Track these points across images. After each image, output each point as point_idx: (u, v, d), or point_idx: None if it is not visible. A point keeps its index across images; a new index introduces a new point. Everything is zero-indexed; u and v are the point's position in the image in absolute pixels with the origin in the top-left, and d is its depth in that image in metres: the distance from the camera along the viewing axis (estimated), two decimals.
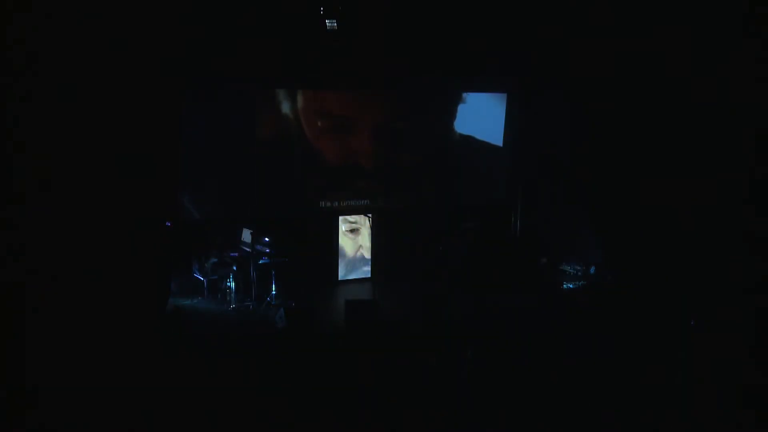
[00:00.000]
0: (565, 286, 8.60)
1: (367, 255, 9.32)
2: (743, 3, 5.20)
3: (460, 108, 9.56)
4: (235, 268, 8.09)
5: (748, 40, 5.27)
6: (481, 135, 9.73)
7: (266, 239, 8.11)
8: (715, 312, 6.15)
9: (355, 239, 9.28)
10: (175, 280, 8.13)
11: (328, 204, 9.14)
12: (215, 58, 7.44)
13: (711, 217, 6.28)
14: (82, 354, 5.05)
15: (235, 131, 8.38)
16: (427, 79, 9.17)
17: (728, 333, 5.84)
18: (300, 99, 8.67)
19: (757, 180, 5.54)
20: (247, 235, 8.19)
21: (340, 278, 9.19)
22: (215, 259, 8.13)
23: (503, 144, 9.85)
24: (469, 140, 9.67)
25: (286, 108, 8.63)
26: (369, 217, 8.96)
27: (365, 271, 9.36)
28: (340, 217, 9.16)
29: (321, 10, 6.31)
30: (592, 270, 8.73)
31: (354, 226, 9.23)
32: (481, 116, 9.66)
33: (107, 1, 5.14)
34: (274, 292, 8.11)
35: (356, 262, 9.33)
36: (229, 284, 8.07)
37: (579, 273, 8.79)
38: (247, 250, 8.07)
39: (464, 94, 9.50)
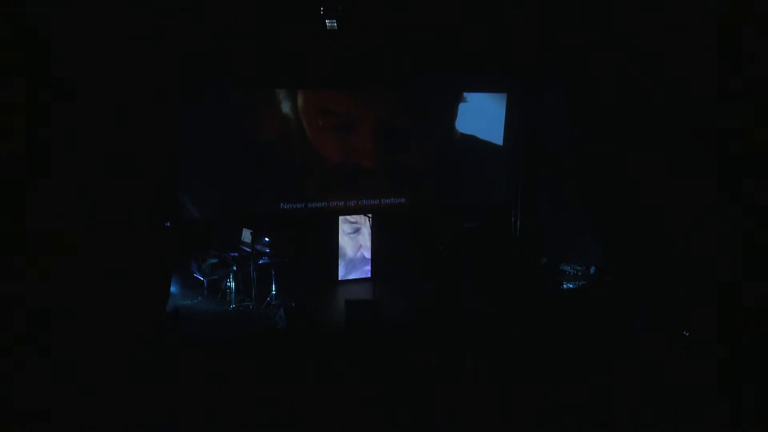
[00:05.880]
0: (565, 286, 8.60)
1: (368, 255, 9.32)
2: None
3: (461, 107, 9.56)
4: (235, 268, 8.09)
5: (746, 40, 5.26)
6: (482, 134, 9.74)
7: (266, 239, 8.11)
8: (713, 311, 6.15)
9: (355, 239, 9.29)
10: (175, 280, 8.13)
11: (329, 204, 9.15)
12: (215, 58, 7.44)
13: (711, 217, 6.28)
14: (81, 353, 5.06)
15: (234, 131, 8.38)
16: (428, 79, 9.18)
17: (726, 332, 5.83)
18: (300, 98, 8.67)
19: (758, 180, 5.53)
20: (247, 235, 8.19)
21: (340, 278, 9.20)
22: (215, 260, 8.13)
23: (503, 143, 9.86)
24: (470, 140, 9.67)
25: (286, 108, 8.63)
26: (369, 217, 8.96)
27: (365, 270, 9.36)
28: (341, 217, 9.16)
29: (321, 10, 6.30)
30: (592, 270, 8.73)
31: (355, 226, 9.23)
32: (482, 116, 9.67)
33: (107, 2, 5.13)
34: (274, 292, 8.12)
35: (356, 262, 9.33)
36: (229, 284, 8.08)
37: (579, 273, 8.79)
38: (247, 250, 8.07)
39: (465, 94, 9.51)
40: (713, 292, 6.20)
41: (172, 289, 7.93)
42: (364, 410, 5.18)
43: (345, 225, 9.20)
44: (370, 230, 9.09)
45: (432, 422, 5.06)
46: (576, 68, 8.27)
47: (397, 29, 7.14)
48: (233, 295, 8.03)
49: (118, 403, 4.94)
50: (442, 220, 9.69)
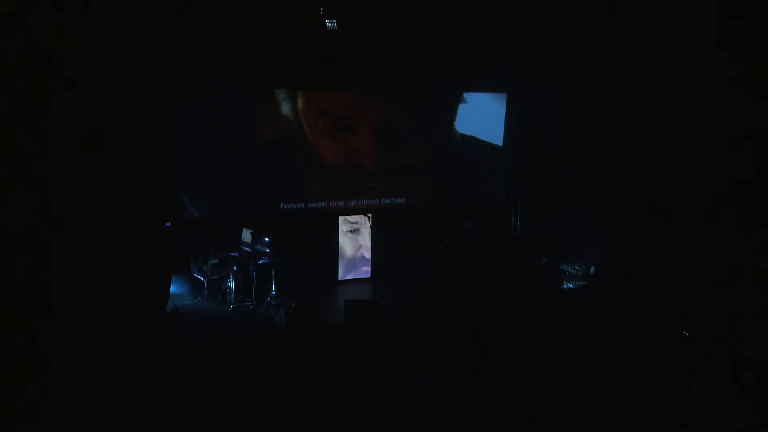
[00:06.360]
0: (565, 286, 8.61)
1: (367, 255, 9.32)
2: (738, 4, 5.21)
3: (461, 108, 9.57)
4: (235, 268, 8.09)
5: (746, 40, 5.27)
6: (481, 135, 9.75)
7: (266, 239, 8.11)
8: (714, 311, 6.15)
9: (355, 239, 9.29)
10: (175, 280, 8.13)
11: (329, 204, 9.15)
12: (215, 58, 7.44)
13: (711, 217, 6.28)
14: (82, 354, 5.06)
15: (235, 131, 8.38)
16: (428, 79, 9.18)
17: (726, 332, 5.84)
18: (300, 99, 8.68)
19: (758, 180, 5.54)
20: (247, 235, 8.19)
21: (340, 278, 9.20)
22: (215, 260, 8.13)
23: (503, 144, 9.87)
24: (470, 140, 9.68)
25: (286, 108, 8.64)
26: (369, 217, 8.97)
27: (365, 270, 9.36)
28: (341, 217, 9.16)
29: (321, 10, 6.30)
30: (592, 270, 8.73)
31: (354, 226, 9.23)
32: (482, 116, 9.68)
33: (107, 1, 5.13)
34: (274, 292, 8.11)
35: (356, 262, 9.33)
36: (229, 284, 8.08)
37: (579, 273, 8.80)
38: (247, 250, 8.07)
39: (465, 94, 9.51)
40: (713, 292, 6.21)
41: (172, 289, 7.93)
42: (364, 410, 5.18)
43: (345, 225, 9.19)
44: (370, 230, 9.09)
45: (432, 422, 5.06)
46: (576, 68, 8.28)
47: (397, 29, 7.13)
48: (233, 295, 8.03)
49: (118, 403, 4.94)
50: (442, 220, 9.70)
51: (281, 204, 8.90)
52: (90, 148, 5.26)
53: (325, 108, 8.80)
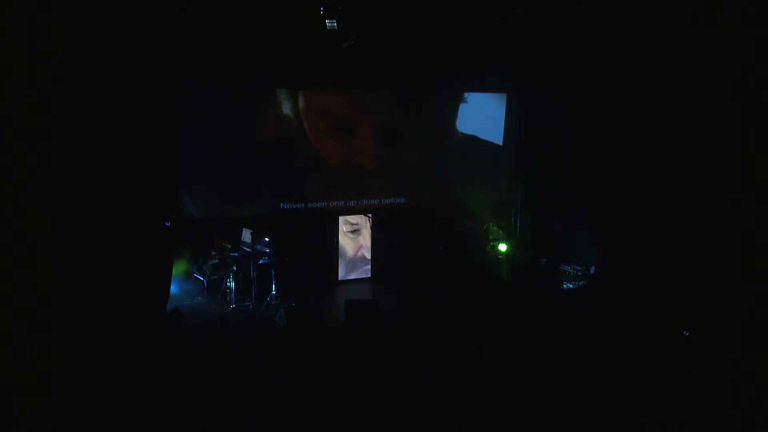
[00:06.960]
0: (565, 286, 8.61)
1: (368, 255, 9.32)
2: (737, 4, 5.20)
3: (462, 107, 9.57)
4: (235, 268, 8.09)
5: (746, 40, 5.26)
6: (482, 134, 9.75)
7: (266, 239, 8.11)
8: (714, 312, 6.15)
9: (355, 239, 9.28)
10: (175, 280, 8.12)
11: (329, 204, 9.15)
12: (215, 58, 7.44)
13: (711, 218, 6.28)
14: (82, 354, 5.06)
15: (235, 131, 8.38)
16: (428, 79, 9.18)
17: (726, 332, 5.84)
18: (301, 99, 8.68)
19: (759, 181, 5.53)
20: (247, 235, 8.19)
21: (340, 278, 9.20)
22: (215, 260, 8.13)
23: (503, 143, 9.87)
24: (470, 140, 9.68)
25: (286, 108, 8.64)
26: (369, 217, 8.96)
27: (365, 270, 9.36)
28: (341, 218, 9.16)
29: (321, 10, 6.30)
30: (592, 270, 8.73)
31: (355, 227, 9.23)
32: (483, 116, 9.68)
33: (107, 2, 5.14)
34: (274, 292, 8.11)
35: (356, 262, 9.33)
36: (229, 284, 8.08)
37: (579, 273, 8.80)
38: (247, 250, 8.07)
39: (466, 94, 9.52)
40: (713, 292, 6.21)
41: (172, 289, 7.93)
42: (364, 410, 5.18)
43: (345, 225, 9.19)
44: (370, 230, 9.09)
45: (432, 422, 5.06)
46: (576, 68, 8.26)
47: (397, 29, 7.13)
48: (233, 295, 8.03)
49: (118, 403, 4.94)
50: (442, 220, 9.70)
51: (281, 204, 8.89)
52: (90, 148, 5.26)
53: (326, 108, 8.80)
